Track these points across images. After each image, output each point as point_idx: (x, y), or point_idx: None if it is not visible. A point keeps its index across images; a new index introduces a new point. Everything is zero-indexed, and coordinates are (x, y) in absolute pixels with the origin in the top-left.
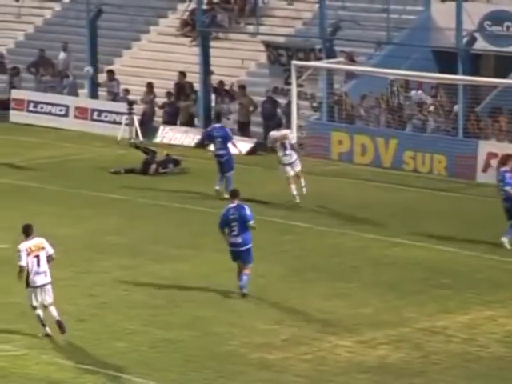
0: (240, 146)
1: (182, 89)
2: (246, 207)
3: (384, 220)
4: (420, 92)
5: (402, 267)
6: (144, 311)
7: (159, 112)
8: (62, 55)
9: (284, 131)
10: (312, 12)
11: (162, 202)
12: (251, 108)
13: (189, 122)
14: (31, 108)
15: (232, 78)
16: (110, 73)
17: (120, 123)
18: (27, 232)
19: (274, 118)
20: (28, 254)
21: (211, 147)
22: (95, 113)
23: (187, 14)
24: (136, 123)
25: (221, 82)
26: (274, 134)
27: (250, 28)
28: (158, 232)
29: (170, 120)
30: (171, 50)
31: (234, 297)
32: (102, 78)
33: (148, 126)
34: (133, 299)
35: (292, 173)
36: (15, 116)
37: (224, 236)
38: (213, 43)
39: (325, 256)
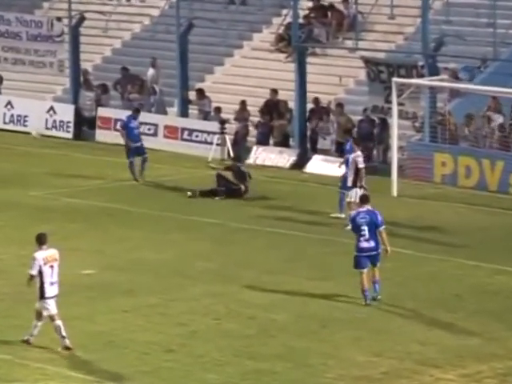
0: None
1: (275, 107)
2: (377, 212)
3: (487, 246)
4: None
5: (507, 296)
6: (235, 341)
7: (253, 131)
8: (151, 71)
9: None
10: (414, 26)
11: (253, 226)
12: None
13: (283, 142)
14: (118, 127)
15: (329, 96)
16: (199, 92)
17: (211, 143)
18: (41, 241)
19: (371, 138)
20: (44, 264)
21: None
22: (185, 132)
23: (282, 28)
24: (228, 143)
25: (316, 100)
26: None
27: (349, 43)
28: (249, 257)
29: (263, 140)
30: (265, 67)
31: (331, 326)
32: (192, 95)
33: (241, 146)
34: (224, 328)
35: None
36: (101, 135)
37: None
38: (309, 59)
39: (425, 284)
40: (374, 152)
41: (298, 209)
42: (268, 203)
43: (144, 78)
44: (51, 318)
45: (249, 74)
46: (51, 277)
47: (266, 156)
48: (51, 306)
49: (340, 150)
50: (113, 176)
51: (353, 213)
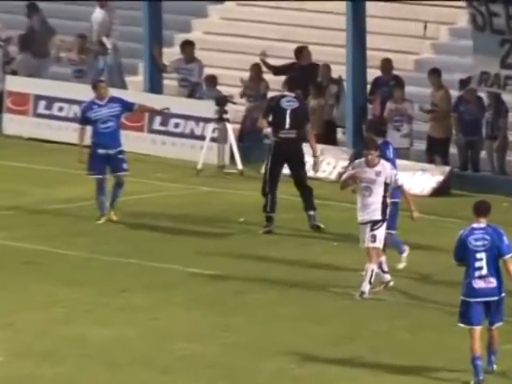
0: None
1: (308, 75)
2: (502, 232)
3: None
4: None
5: None
6: None
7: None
8: (98, 14)
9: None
10: None
11: (258, 282)
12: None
13: (325, 136)
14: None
15: (406, 56)
16: (184, 48)
17: (202, 138)
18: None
19: (476, 128)
20: None
21: None
22: (157, 119)
23: None
24: (231, 137)
25: (386, 63)
26: None
27: None
28: (270, 334)
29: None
30: (291, 6)
31: None
32: (170, 55)
33: (252, 141)
34: None
35: None
36: (12, 124)
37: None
38: None
39: None
40: (483, 153)
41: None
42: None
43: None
44: None
45: (262, 16)
46: None
47: None
48: None
49: (431, 151)
50: (32, 196)
51: (462, 231)
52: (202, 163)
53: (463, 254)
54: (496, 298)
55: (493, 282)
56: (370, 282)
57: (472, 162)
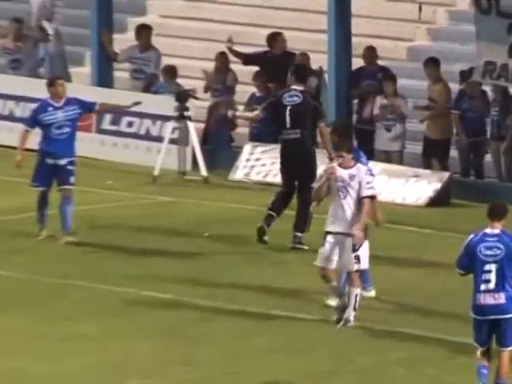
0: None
1: (283, 65)
2: None
3: None
4: None
5: None
6: None
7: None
8: None
9: None
10: None
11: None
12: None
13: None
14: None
15: (397, 43)
16: (139, 34)
17: (160, 139)
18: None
19: (480, 128)
20: None
21: None
22: (107, 117)
23: None
24: (194, 139)
25: (369, 51)
26: None
27: None
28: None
29: (263, 131)
30: None
31: None
32: (121, 42)
33: (218, 142)
34: None
35: None
36: None
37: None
38: None
39: None
40: (488, 156)
41: None
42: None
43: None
44: None
45: None
46: None
47: (271, 166)
48: None
49: (427, 154)
50: None
51: (472, 235)
52: (159, 169)
53: (470, 262)
54: (507, 317)
55: (502, 298)
56: (355, 309)
57: (475, 167)
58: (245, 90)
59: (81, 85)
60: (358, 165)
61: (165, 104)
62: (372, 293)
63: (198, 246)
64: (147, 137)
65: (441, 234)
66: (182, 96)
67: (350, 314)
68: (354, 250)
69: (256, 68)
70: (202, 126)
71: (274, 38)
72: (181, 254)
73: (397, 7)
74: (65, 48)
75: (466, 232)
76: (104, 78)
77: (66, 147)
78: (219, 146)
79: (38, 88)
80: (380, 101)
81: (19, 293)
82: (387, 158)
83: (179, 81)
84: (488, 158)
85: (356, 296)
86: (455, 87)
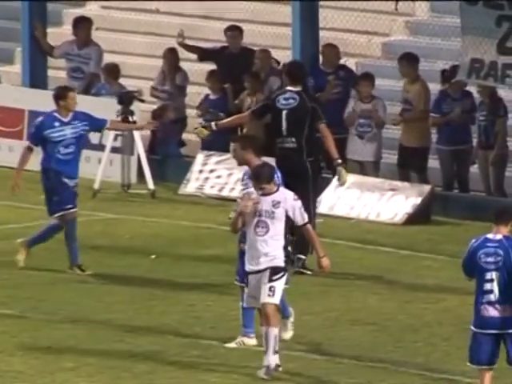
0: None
1: (241, 64)
2: None
3: None
4: None
5: None
6: None
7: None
8: None
9: None
10: None
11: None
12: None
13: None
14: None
15: (370, 38)
16: (77, 27)
17: (101, 147)
18: None
19: (464, 134)
20: None
21: None
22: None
23: None
24: (139, 147)
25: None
26: None
27: None
28: None
29: (217, 138)
30: None
31: None
32: (56, 37)
33: (167, 151)
34: None
35: None
36: None
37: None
38: None
39: None
40: (474, 167)
41: None
42: None
43: None
44: None
45: None
46: None
47: (227, 179)
48: None
49: (404, 164)
50: None
51: (474, 240)
52: (99, 181)
53: (472, 270)
54: (511, 331)
55: (508, 311)
56: (275, 352)
57: (459, 179)
58: (198, 91)
59: (11, 85)
60: (282, 189)
61: (106, 107)
62: (253, 341)
63: (143, 269)
64: (86, 145)
65: (420, 255)
66: (126, 98)
67: (271, 359)
68: (270, 280)
69: (209, 67)
70: (148, 133)
71: (230, 33)
72: (123, 279)
73: None
74: None
75: (449, 253)
76: (37, 78)
77: (72, 168)
78: (168, 155)
79: None
80: (355, 104)
81: None
82: (361, 168)
83: (122, 81)
84: (474, 168)
85: (275, 337)
86: (436, 88)
